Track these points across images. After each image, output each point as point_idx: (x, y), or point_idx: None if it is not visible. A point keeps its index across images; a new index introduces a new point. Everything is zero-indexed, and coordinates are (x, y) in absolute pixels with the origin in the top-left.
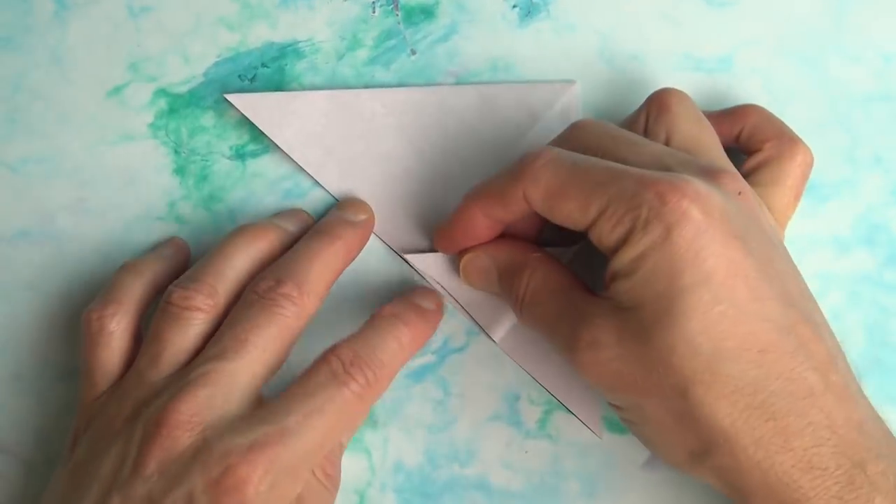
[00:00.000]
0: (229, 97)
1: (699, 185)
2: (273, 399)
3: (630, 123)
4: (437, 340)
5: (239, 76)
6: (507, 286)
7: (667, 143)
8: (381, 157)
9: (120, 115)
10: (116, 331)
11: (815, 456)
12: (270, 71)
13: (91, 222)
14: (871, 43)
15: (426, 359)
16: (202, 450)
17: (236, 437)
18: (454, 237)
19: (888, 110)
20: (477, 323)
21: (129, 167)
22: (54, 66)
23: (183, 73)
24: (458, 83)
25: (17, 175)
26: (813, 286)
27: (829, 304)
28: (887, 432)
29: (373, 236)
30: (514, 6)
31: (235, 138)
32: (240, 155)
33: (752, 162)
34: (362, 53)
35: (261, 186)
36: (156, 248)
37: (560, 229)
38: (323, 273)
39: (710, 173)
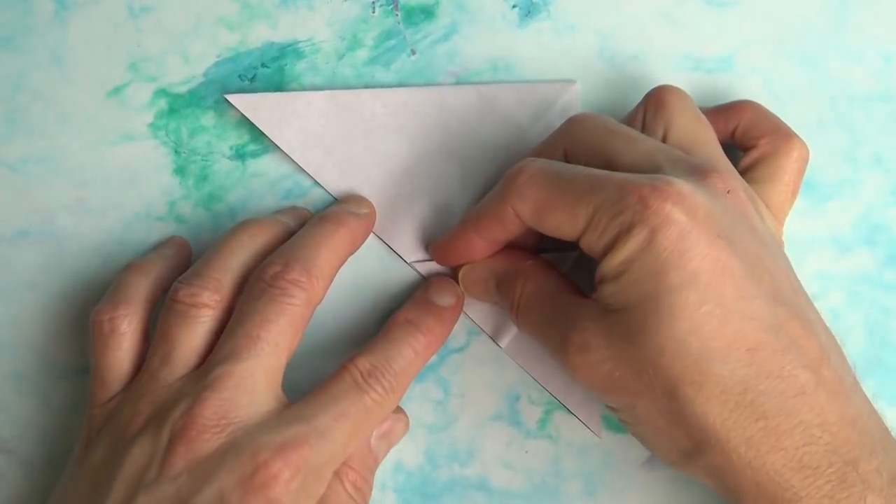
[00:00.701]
0: (230, 97)
1: (683, 186)
2: (298, 401)
3: (629, 120)
4: None
5: (239, 76)
6: (503, 295)
7: (664, 140)
8: (382, 157)
9: (120, 115)
10: (128, 332)
11: (807, 455)
12: (270, 71)
13: (91, 222)
14: (872, 43)
15: None
16: (232, 448)
17: (267, 435)
18: (453, 258)
19: (888, 110)
20: (481, 328)
21: (129, 167)
22: (54, 66)
23: (183, 73)
24: (458, 83)
25: (17, 175)
26: (813, 286)
27: (830, 304)
28: (882, 428)
29: (373, 236)
30: (514, 6)
31: (235, 138)
32: (240, 155)
33: (747, 159)
34: (362, 53)
35: (261, 186)
36: (157, 247)
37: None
38: (329, 258)
39: (698, 172)
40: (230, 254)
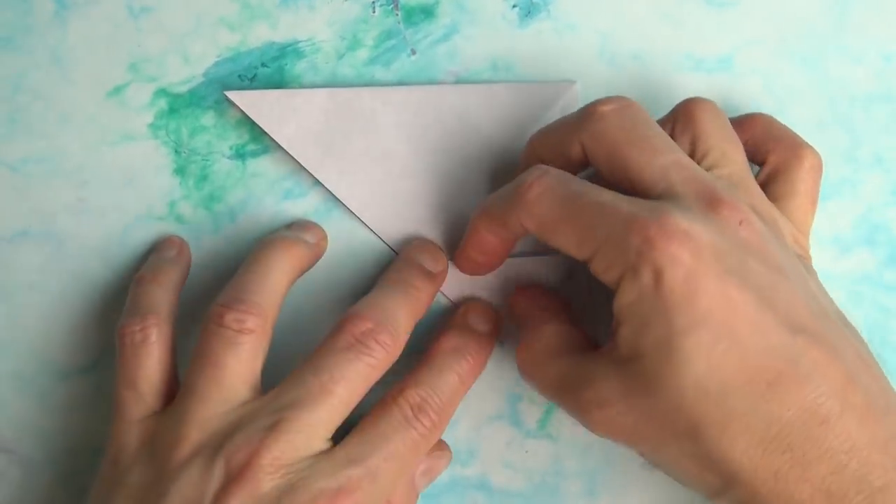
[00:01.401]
0: (229, 94)
1: (689, 224)
2: (349, 438)
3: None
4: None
5: (239, 76)
6: (522, 348)
7: (691, 155)
8: (381, 155)
9: (120, 115)
10: (157, 342)
11: (834, 483)
12: (270, 71)
13: (91, 222)
14: (872, 43)
15: None
16: (288, 492)
17: (323, 480)
18: (472, 257)
19: (889, 110)
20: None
21: (129, 167)
22: (54, 66)
23: (183, 73)
24: (457, 83)
25: (18, 175)
26: None
27: None
28: None
29: (372, 234)
30: (514, 6)
31: (235, 138)
32: (240, 155)
33: (761, 175)
34: (362, 53)
35: (261, 186)
36: (158, 250)
37: None
38: (408, 322)
39: (710, 201)
40: (267, 276)
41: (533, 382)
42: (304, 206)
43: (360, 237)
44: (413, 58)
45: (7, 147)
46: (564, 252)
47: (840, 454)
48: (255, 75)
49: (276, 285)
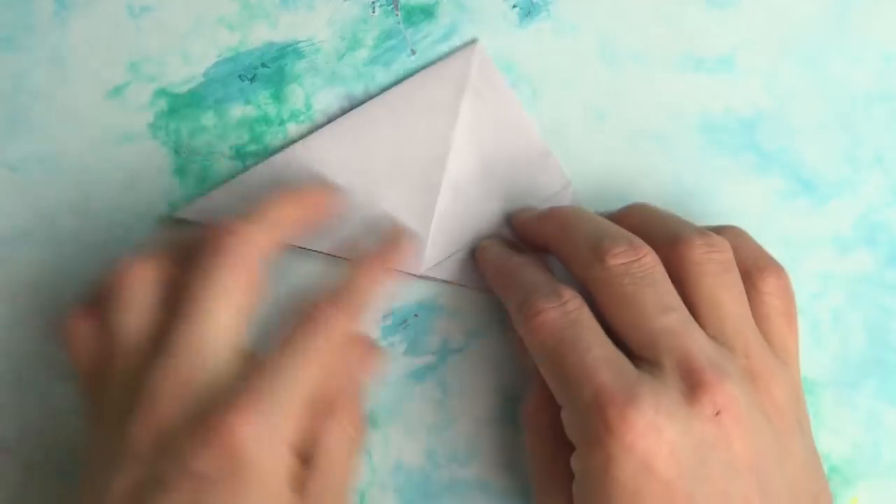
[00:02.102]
0: (180, 215)
1: (654, 417)
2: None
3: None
4: (436, 341)
5: (239, 76)
6: (531, 383)
7: (687, 302)
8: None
9: (120, 115)
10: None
11: None
12: (270, 71)
13: (91, 222)
14: (872, 43)
15: (426, 359)
16: (190, 412)
17: (221, 392)
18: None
19: (889, 110)
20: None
21: (129, 167)
22: (54, 66)
23: (183, 73)
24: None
25: (18, 175)
26: (813, 286)
27: (830, 304)
28: None
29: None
30: (514, 6)
31: (235, 138)
32: (240, 155)
33: None
34: (362, 53)
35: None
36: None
37: None
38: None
39: (691, 386)
40: (263, 232)
41: (526, 430)
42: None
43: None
44: (413, 58)
45: (7, 147)
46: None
47: None
48: (254, 75)
49: (264, 245)
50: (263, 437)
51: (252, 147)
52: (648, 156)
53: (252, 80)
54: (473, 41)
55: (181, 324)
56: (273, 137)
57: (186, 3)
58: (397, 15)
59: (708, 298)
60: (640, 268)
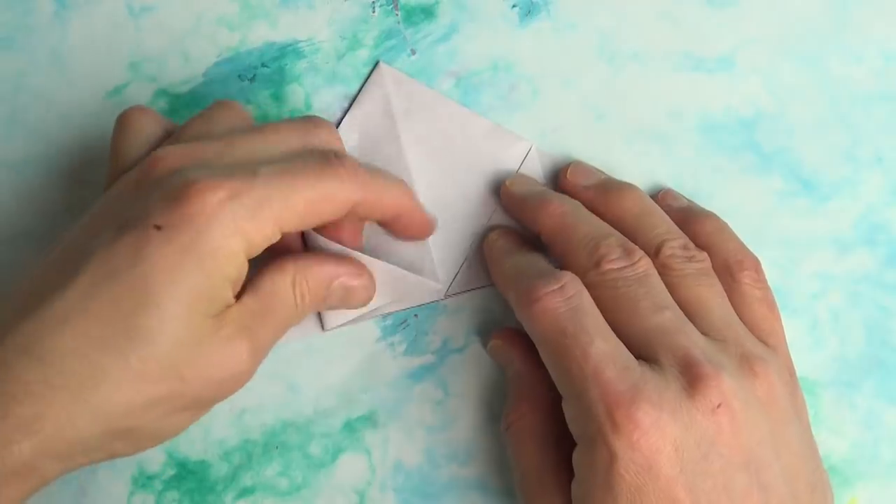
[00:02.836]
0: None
1: (657, 415)
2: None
3: None
4: (436, 341)
5: (239, 76)
6: (509, 401)
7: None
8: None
9: None
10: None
11: None
12: (270, 71)
13: None
14: (872, 42)
15: (426, 359)
16: (175, 174)
17: (208, 169)
18: None
19: (889, 109)
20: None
21: None
22: (54, 66)
23: (183, 73)
24: (457, 84)
25: (18, 175)
26: (813, 286)
27: (829, 304)
28: None
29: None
30: (514, 6)
31: None
32: None
33: None
34: (362, 53)
35: None
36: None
37: None
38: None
39: (690, 380)
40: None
41: (509, 441)
42: None
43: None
44: (413, 58)
45: (7, 147)
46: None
47: None
48: (254, 75)
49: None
50: (225, 219)
51: None
52: (648, 156)
53: (252, 80)
54: (376, 64)
55: (198, 117)
56: None
57: (186, 3)
58: (397, 15)
59: (692, 299)
60: (634, 272)
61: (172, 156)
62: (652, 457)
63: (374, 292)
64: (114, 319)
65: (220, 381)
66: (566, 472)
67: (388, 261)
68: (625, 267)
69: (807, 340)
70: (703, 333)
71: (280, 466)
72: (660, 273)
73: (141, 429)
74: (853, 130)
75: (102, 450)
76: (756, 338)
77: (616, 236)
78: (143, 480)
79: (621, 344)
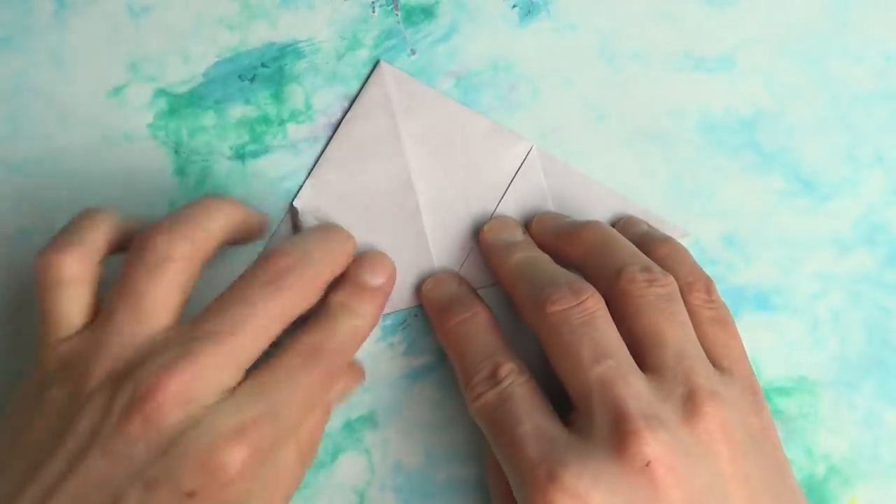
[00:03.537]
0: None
1: (576, 485)
2: (254, 372)
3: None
4: (436, 340)
5: (239, 76)
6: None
7: (627, 334)
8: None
9: (120, 115)
10: (76, 276)
11: None
12: (270, 71)
13: None
14: (873, 42)
15: (426, 359)
16: (191, 427)
17: (224, 419)
18: None
19: (889, 109)
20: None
21: (129, 167)
22: (54, 66)
23: (183, 73)
24: (457, 84)
25: (18, 175)
26: (813, 286)
27: (829, 304)
28: None
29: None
30: (514, 6)
31: (235, 138)
32: (240, 155)
33: None
34: (362, 53)
35: (261, 186)
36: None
37: None
38: (329, 270)
39: (620, 437)
40: (205, 213)
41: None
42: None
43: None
44: (413, 58)
45: (8, 147)
46: None
47: None
48: (254, 75)
49: (208, 226)
50: (257, 473)
51: (252, 147)
52: (648, 156)
53: (252, 80)
54: (376, 63)
55: (214, 341)
56: (273, 137)
57: (186, 3)
58: (397, 15)
59: (648, 330)
60: (580, 314)
61: (174, 392)
62: None
63: (362, 371)
64: None
65: None
66: None
67: None
68: (570, 308)
69: (807, 340)
70: (654, 370)
71: None
72: (619, 302)
73: None
74: (853, 130)
75: None
76: (712, 363)
77: (566, 278)
78: None
79: (552, 419)
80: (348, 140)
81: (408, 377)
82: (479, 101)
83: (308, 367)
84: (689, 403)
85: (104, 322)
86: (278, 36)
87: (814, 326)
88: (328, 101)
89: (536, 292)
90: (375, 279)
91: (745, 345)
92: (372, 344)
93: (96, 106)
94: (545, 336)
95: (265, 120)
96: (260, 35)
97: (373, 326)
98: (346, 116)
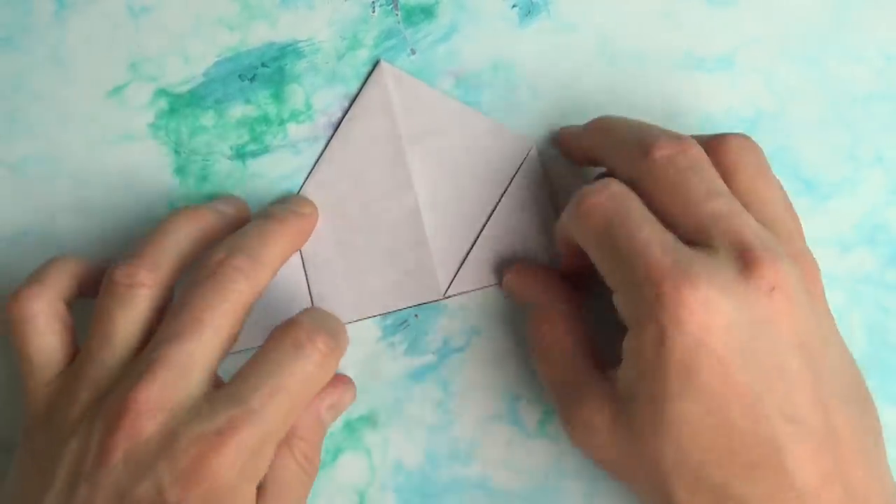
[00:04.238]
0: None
1: (708, 292)
2: (234, 377)
3: None
4: (437, 340)
5: (239, 76)
6: (529, 326)
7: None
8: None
9: (120, 115)
10: (43, 312)
11: None
12: (270, 71)
13: (91, 222)
14: (873, 42)
15: (426, 359)
16: (168, 438)
17: (201, 423)
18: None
19: (889, 109)
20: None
21: (129, 167)
22: (54, 66)
23: (183, 73)
24: (457, 84)
25: (18, 175)
26: None
27: (830, 304)
28: None
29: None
30: (514, 6)
31: (235, 138)
32: (240, 155)
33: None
34: (362, 53)
35: (261, 186)
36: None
37: None
38: (273, 250)
39: (746, 263)
40: (167, 235)
41: (539, 366)
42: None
43: None
44: (413, 58)
45: (7, 147)
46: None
47: None
48: (254, 75)
49: (174, 245)
50: (238, 476)
51: (252, 147)
52: None
53: (252, 80)
54: (376, 62)
55: (172, 344)
56: (273, 137)
57: (186, 3)
58: (397, 15)
59: (750, 189)
60: (685, 158)
61: (145, 410)
62: (701, 334)
63: (353, 385)
64: None
65: None
66: (599, 378)
67: (386, 260)
68: (676, 153)
69: None
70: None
71: None
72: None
73: None
74: (853, 130)
75: None
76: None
77: (663, 128)
78: None
79: (668, 232)
80: (348, 140)
81: (408, 377)
82: (479, 101)
83: (295, 358)
84: (798, 258)
85: (80, 357)
86: (278, 36)
87: None
88: (328, 101)
89: (638, 139)
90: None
91: None
92: (372, 344)
93: (96, 106)
94: (651, 182)
95: (265, 120)
96: (260, 35)
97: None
98: (346, 116)
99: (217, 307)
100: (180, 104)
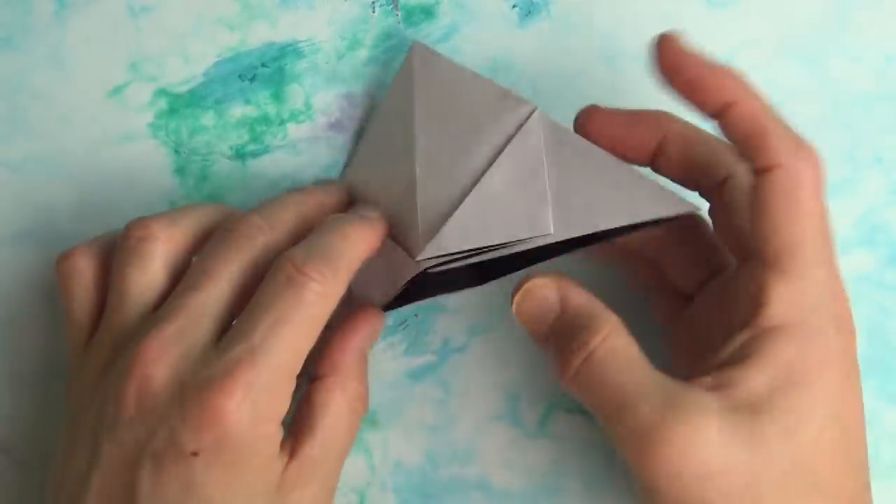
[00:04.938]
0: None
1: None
2: (235, 321)
3: None
4: (437, 340)
5: (239, 76)
6: (564, 336)
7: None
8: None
9: (120, 115)
10: (90, 268)
11: None
12: (270, 71)
13: (91, 222)
14: (873, 43)
15: (426, 359)
16: (177, 386)
17: (207, 368)
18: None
19: (889, 110)
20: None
21: (129, 167)
22: (54, 66)
23: (183, 73)
24: None
25: (18, 175)
26: None
27: None
28: None
29: None
30: (514, 6)
31: (235, 138)
32: (240, 155)
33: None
34: (362, 53)
35: (261, 186)
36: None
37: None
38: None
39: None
40: (193, 207)
41: (587, 378)
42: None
43: None
44: None
45: (7, 147)
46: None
47: None
48: (254, 75)
49: (195, 211)
50: (252, 416)
51: (252, 147)
52: None
53: (252, 80)
54: (412, 45)
55: (189, 292)
56: (273, 137)
57: (186, 3)
58: (397, 15)
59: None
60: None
61: (154, 359)
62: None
63: (381, 312)
64: None
65: None
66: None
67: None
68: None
69: None
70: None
71: None
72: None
73: None
74: (853, 130)
75: None
76: None
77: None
78: None
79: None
80: (381, 123)
81: (408, 377)
82: None
83: (291, 286)
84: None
85: (104, 315)
86: (278, 36)
87: None
88: (328, 101)
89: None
90: (368, 211)
91: None
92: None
93: (96, 106)
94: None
95: (265, 120)
96: (260, 35)
97: (370, 240)
98: (383, 100)
99: (232, 259)
100: (180, 104)
